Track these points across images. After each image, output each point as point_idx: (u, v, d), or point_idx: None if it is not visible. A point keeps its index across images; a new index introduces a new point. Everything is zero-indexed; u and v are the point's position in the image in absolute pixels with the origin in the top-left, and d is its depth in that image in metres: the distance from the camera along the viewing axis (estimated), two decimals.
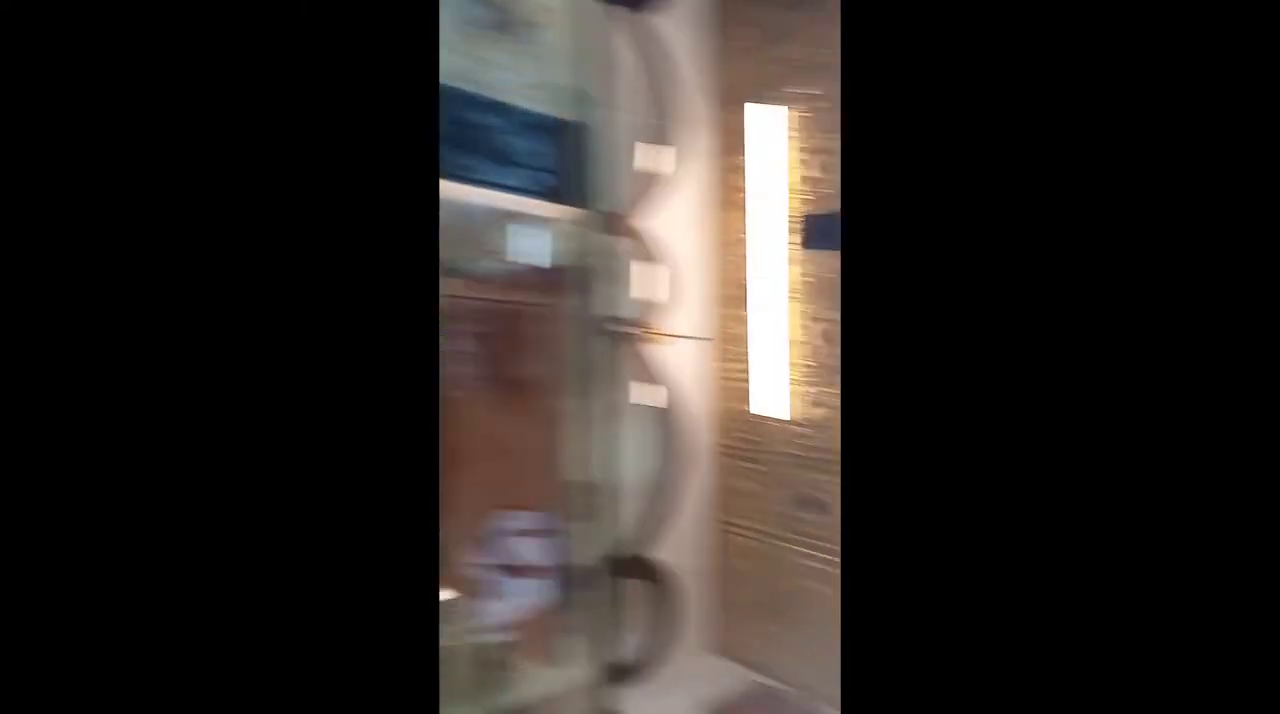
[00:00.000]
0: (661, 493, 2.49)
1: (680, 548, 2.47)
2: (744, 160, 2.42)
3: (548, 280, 2.16)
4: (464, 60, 1.87)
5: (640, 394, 2.44)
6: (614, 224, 2.37)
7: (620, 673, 2.36)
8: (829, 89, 2.19)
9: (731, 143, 2.52)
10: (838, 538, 2.16)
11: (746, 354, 2.46)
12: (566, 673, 2.17)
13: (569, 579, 2.18)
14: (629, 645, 2.49)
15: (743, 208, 2.45)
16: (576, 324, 2.24)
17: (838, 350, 2.19)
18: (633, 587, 2.42)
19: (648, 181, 2.46)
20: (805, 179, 2.28)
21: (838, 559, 2.16)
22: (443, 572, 1.66)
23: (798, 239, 2.26)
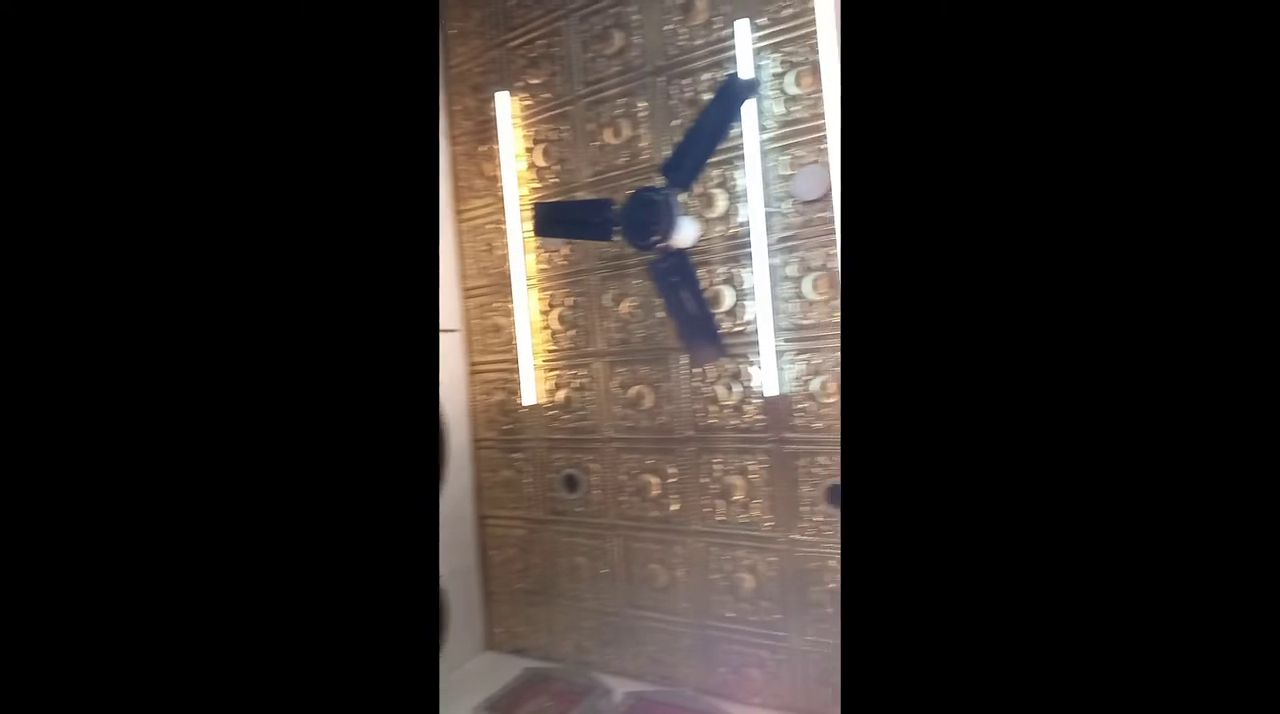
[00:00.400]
0: None
1: (440, 550, 2.42)
2: (492, 148, 2.41)
3: None
4: None
5: None
6: None
7: None
8: (550, 78, 2.29)
9: (469, 129, 2.50)
10: (593, 511, 2.32)
11: (497, 344, 2.48)
12: None
13: None
14: None
15: (488, 195, 2.45)
16: None
17: (572, 333, 2.33)
18: None
19: None
20: (533, 167, 2.36)
21: (595, 531, 2.32)
22: None
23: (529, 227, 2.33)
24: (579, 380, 2.31)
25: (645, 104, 2.10)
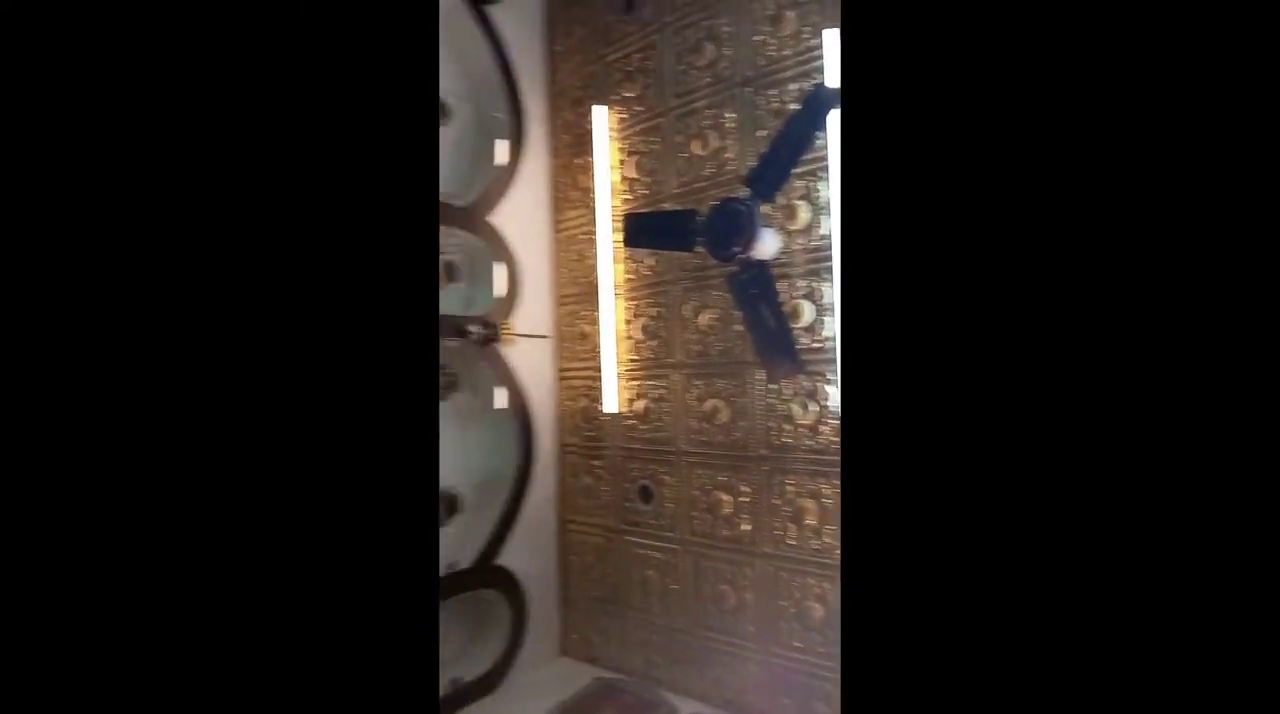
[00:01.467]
0: (508, 496, 2.68)
1: (525, 552, 2.68)
2: (588, 160, 2.67)
3: None
4: None
5: (489, 395, 2.63)
6: (465, 219, 2.55)
7: (468, 688, 2.53)
8: (645, 93, 2.51)
9: (568, 142, 2.78)
10: (665, 525, 2.46)
11: (584, 352, 2.72)
12: None
13: None
14: (476, 657, 2.66)
15: (582, 206, 2.72)
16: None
17: (654, 344, 2.50)
18: (479, 596, 2.60)
19: (496, 177, 2.67)
20: (625, 179, 2.58)
21: (667, 545, 2.46)
22: None
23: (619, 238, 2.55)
24: (657, 391, 2.48)
25: (733, 115, 2.24)
